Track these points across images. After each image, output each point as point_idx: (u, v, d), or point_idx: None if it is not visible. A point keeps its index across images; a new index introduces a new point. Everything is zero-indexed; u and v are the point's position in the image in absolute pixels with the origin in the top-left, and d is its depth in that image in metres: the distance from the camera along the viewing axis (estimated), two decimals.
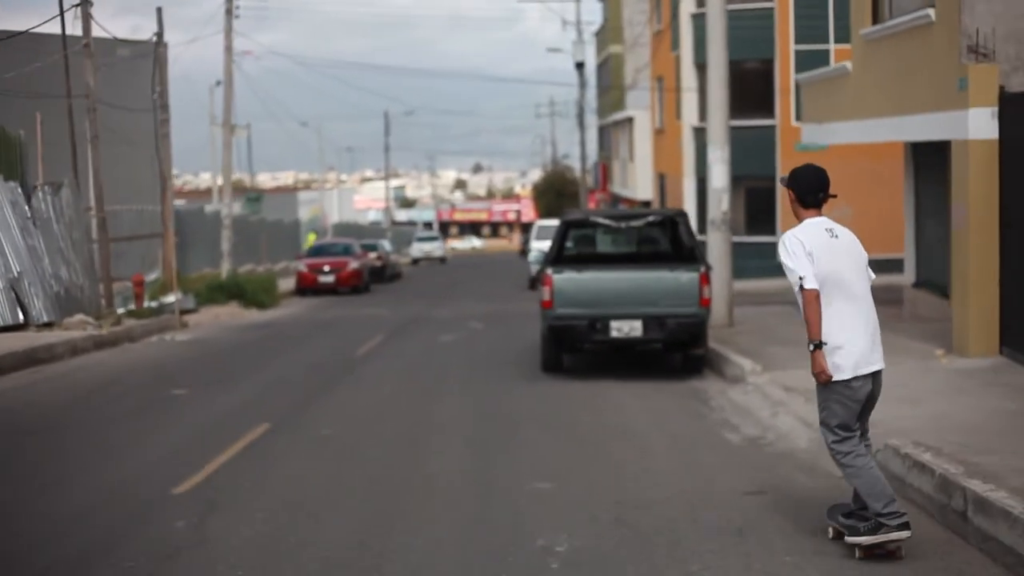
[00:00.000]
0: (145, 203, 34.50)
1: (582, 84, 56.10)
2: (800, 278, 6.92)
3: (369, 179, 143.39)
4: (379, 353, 19.62)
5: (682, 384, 14.93)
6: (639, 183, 46.01)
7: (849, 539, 7.03)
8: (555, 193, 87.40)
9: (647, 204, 46.10)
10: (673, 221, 16.56)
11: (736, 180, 36.05)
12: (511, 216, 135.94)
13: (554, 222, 43.92)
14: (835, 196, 7.33)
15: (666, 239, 17.18)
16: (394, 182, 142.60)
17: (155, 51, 30.14)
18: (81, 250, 25.36)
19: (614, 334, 15.07)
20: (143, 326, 24.37)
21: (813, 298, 6.91)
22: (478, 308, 30.43)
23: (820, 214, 7.19)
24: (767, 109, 35.94)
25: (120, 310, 26.55)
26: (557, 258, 16.09)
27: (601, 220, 16.64)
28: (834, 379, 6.97)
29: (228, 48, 33.15)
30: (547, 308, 15.28)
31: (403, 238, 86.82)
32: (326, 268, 39.12)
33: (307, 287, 38.92)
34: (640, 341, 15.31)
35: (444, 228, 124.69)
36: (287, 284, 40.05)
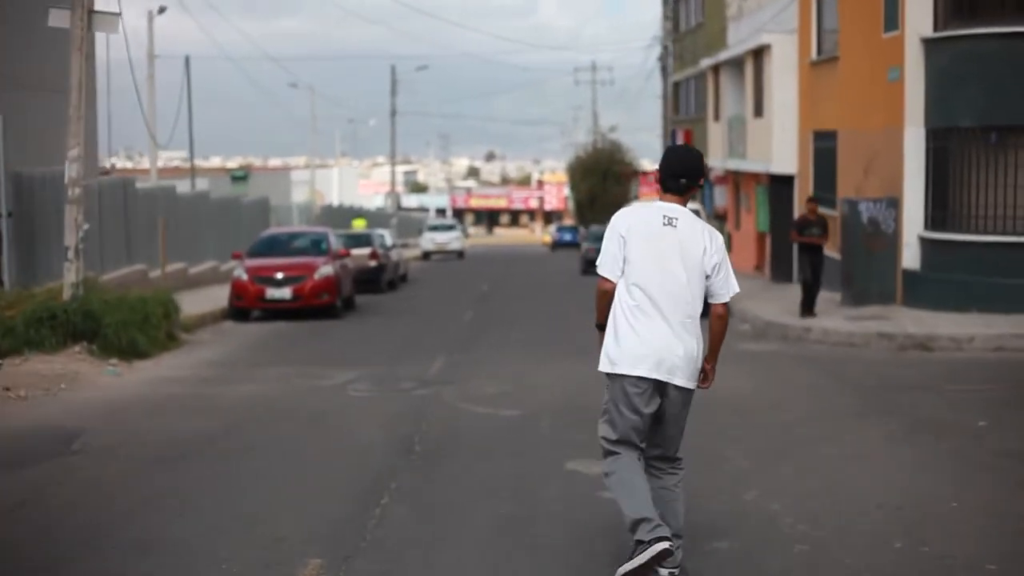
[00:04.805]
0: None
1: (667, 16, 39.95)
2: (600, 262, 6.42)
3: (380, 164, 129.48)
4: None
5: None
6: (774, 149, 29.63)
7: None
8: (600, 174, 71.39)
9: (787, 181, 29.85)
10: None
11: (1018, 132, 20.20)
12: (532, 203, 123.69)
13: None
14: (701, 186, 6.38)
15: None
16: (405, 167, 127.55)
17: None
18: None
19: None
20: None
21: (604, 285, 6.42)
22: (552, 369, 14.60)
23: (682, 201, 6.32)
24: None
25: None
26: None
27: None
28: (604, 371, 6.40)
29: None
30: None
31: (412, 226, 72.45)
32: (279, 276, 23.69)
33: (247, 305, 23.55)
34: None
35: (459, 215, 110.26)
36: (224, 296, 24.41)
